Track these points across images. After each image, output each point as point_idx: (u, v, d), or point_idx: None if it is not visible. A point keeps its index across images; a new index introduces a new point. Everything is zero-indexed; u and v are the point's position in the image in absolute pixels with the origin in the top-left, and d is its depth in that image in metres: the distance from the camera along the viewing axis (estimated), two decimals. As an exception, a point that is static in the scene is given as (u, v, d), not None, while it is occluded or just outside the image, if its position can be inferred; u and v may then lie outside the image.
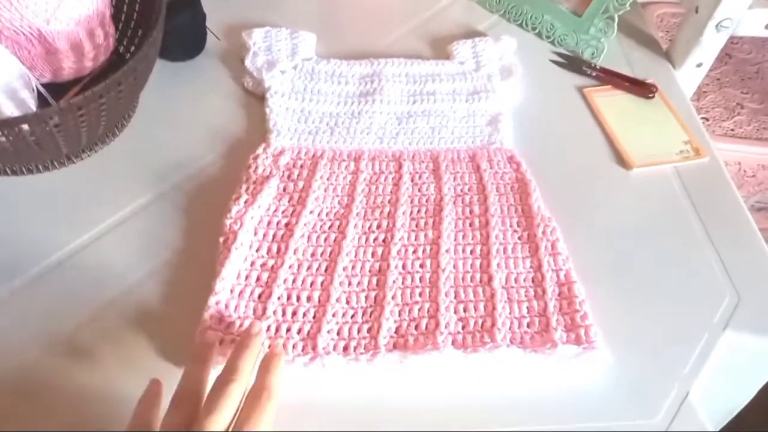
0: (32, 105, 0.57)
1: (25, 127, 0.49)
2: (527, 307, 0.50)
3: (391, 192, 0.57)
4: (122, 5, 0.65)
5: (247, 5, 0.75)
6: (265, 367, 0.41)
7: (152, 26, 0.56)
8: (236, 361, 0.40)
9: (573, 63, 0.72)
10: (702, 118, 0.94)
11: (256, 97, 0.65)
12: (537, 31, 0.75)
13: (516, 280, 0.51)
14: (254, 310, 0.48)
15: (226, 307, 0.48)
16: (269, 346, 0.46)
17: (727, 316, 0.53)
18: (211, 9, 0.68)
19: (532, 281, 0.52)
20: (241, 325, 0.47)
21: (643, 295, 0.54)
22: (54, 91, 0.60)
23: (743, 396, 0.55)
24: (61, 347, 0.48)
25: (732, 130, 0.94)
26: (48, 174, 0.58)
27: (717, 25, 0.69)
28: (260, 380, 0.40)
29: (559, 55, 0.73)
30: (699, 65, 0.74)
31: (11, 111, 0.54)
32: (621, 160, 0.63)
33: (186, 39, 0.67)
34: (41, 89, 0.58)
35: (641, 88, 0.70)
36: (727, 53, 1.06)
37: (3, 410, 0.45)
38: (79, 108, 0.50)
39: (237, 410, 0.38)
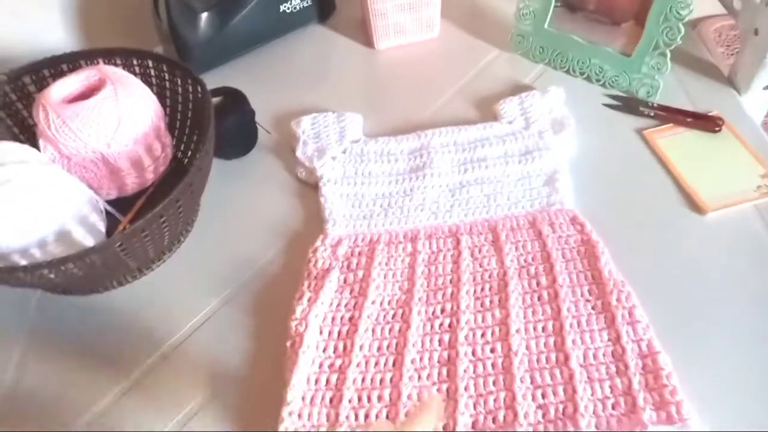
0: (101, 227, 0.60)
1: (94, 256, 0.51)
2: (610, 386, 0.47)
3: (451, 271, 0.56)
4: (176, 113, 0.68)
5: (293, 92, 0.77)
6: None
7: (204, 132, 0.58)
8: None
9: (628, 104, 0.69)
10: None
11: (310, 186, 0.66)
12: (586, 75, 0.73)
13: (595, 357, 0.49)
14: (327, 417, 0.48)
15: (300, 416, 0.48)
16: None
17: (837, 373, 0.48)
18: (260, 102, 0.70)
19: (612, 356, 0.49)
20: (316, 435, 0.47)
21: (734, 354, 0.50)
22: (121, 204, 0.63)
23: None
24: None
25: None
26: (121, 289, 0.60)
27: (781, 46, 0.65)
28: None
29: (613, 97, 0.71)
30: (767, 88, 0.69)
31: (82, 236, 0.57)
32: (694, 205, 0.60)
33: (238, 138, 0.69)
34: (109, 208, 0.61)
35: (706, 122, 0.66)
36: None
37: None
38: (143, 230, 0.53)
39: None
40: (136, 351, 0.55)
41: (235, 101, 0.69)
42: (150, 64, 0.68)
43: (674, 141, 0.65)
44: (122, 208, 0.63)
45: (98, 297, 0.60)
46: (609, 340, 0.50)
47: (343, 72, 0.80)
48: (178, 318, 0.57)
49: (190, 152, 0.69)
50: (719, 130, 0.65)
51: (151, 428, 0.50)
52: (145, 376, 0.54)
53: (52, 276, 0.52)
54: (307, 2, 0.83)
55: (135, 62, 0.68)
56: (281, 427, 0.47)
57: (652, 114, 0.68)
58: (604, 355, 0.49)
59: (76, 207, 0.57)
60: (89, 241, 0.57)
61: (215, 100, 0.69)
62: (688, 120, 0.67)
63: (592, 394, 0.47)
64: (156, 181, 0.66)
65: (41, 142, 0.60)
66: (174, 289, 0.60)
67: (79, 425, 0.51)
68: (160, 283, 0.60)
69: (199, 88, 0.63)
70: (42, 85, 0.66)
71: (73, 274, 0.52)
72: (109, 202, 0.62)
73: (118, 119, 0.59)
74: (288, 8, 0.82)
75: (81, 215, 0.57)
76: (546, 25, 0.73)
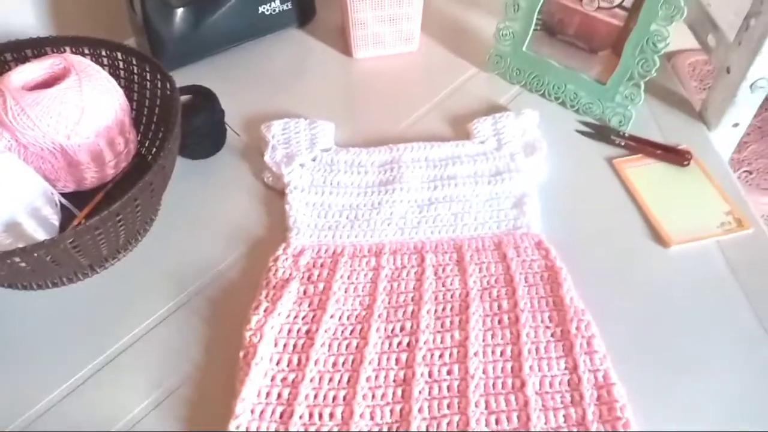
0: (55, 221, 0.57)
1: (42, 251, 0.49)
2: (564, 416, 0.47)
3: (414, 288, 0.55)
4: (143, 108, 0.67)
5: (266, 95, 0.75)
6: None
7: (171, 129, 0.57)
8: None
9: (601, 132, 0.70)
10: (744, 171, 0.90)
11: (276, 192, 0.65)
12: (560, 100, 0.73)
13: (551, 385, 0.48)
14: (275, 432, 0.46)
15: (247, 430, 0.46)
16: None
17: (788, 411, 0.48)
18: (231, 103, 0.69)
19: (568, 384, 0.48)
20: (262, 450, 0.45)
21: (690, 386, 0.50)
22: (79, 197, 0.61)
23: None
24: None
25: (779, 181, 0.89)
26: (72, 286, 0.58)
27: (751, 86, 0.66)
28: None
29: (586, 124, 0.71)
30: (735, 125, 0.70)
31: (33, 229, 0.55)
32: (658, 238, 0.60)
33: (206, 138, 0.67)
34: (65, 202, 0.59)
35: (675, 156, 0.66)
36: None
37: None
38: (96, 228, 0.51)
39: None
40: (82, 351, 0.53)
41: (205, 100, 0.67)
42: (119, 56, 0.66)
43: (643, 172, 0.66)
44: (80, 202, 0.60)
45: (46, 292, 0.57)
46: (566, 368, 0.49)
47: (319, 79, 0.79)
48: (128, 320, 0.55)
49: (154, 149, 0.67)
50: (688, 164, 0.66)
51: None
52: (89, 378, 0.52)
53: (-4, 269, 0.49)
54: (287, 5, 0.82)
55: (104, 53, 0.66)
56: (227, 441, 0.45)
57: (623, 143, 0.68)
58: (560, 383, 0.48)
59: (28, 198, 0.55)
60: (40, 235, 0.55)
61: (185, 97, 0.67)
62: (658, 152, 0.67)
63: (545, 423, 0.46)
64: (117, 177, 0.64)
65: (-3, 129, 0.58)
66: (126, 289, 0.58)
67: (17, 425, 0.49)
68: (113, 283, 0.58)
69: (168, 85, 0.61)
70: (3, 69, 0.63)
71: (19, 268, 0.50)
72: (66, 195, 0.60)
73: (80, 111, 0.57)
74: (267, 10, 0.80)
75: (33, 207, 0.55)
76: (524, 48, 0.74)
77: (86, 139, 0.58)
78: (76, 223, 0.59)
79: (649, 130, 0.70)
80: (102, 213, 0.50)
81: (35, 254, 0.49)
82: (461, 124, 0.71)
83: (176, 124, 0.56)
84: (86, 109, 0.57)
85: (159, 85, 0.64)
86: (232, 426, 0.46)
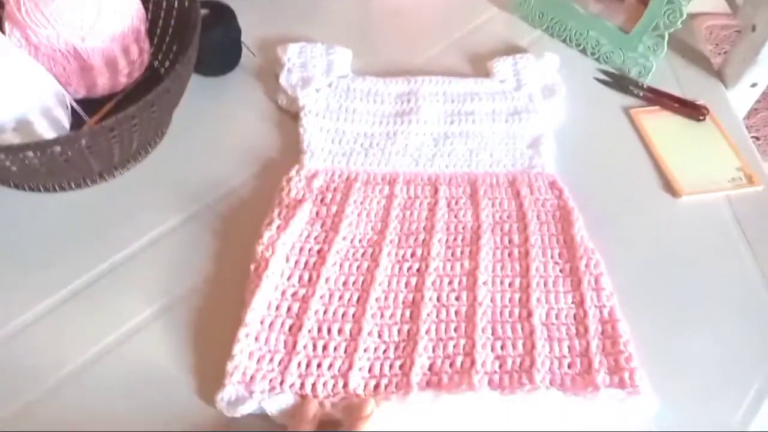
0: (65, 123, 0.56)
1: (57, 148, 0.48)
2: (568, 346, 0.47)
3: (426, 218, 0.55)
4: (158, 20, 0.65)
5: (284, 20, 0.74)
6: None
7: (187, 43, 0.55)
8: None
9: (619, 82, 0.69)
10: (752, 137, 0.90)
11: (290, 115, 0.64)
12: (581, 47, 0.72)
13: (557, 317, 0.49)
14: (285, 344, 0.47)
15: (256, 339, 0.46)
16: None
17: (783, 359, 0.50)
18: (248, 24, 0.67)
19: (574, 318, 0.49)
20: (271, 360, 0.46)
21: (691, 333, 0.51)
22: (88, 106, 0.59)
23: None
24: (88, 372, 0.47)
25: (785, 149, 0.90)
26: (80, 191, 0.57)
27: (775, 45, 0.65)
28: None
29: (605, 73, 0.70)
30: (753, 85, 0.70)
31: (44, 129, 0.54)
32: (669, 187, 0.60)
33: (221, 55, 0.66)
34: (75, 106, 0.58)
35: (691, 110, 0.66)
36: (780, 67, 1.01)
37: None
38: (111, 129, 0.50)
39: None
40: (87, 256, 0.53)
41: (222, 16, 0.65)
42: (137, -37, 0.63)
43: (659, 123, 0.65)
44: (90, 110, 0.59)
45: (53, 196, 0.57)
46: (573, 302, 0.50)
47: (338, 7, 0.77)
48: (135, 229, 0.55)
49: (167, 62, 0.65)
50: (703, 119, 0.66)
51: (94, 336, 0.48)
52: (93, 283, 0.52)
53: (8, 164, 0.48)
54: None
55: (121, -42, 0.63)
56: (236, 349, 0.45)
57: (641, 94, 0.68)
58: (566, 316, 0.49)
59: (40, 97, 0.54)
60: (51, 135, 0.54)
61: (202, 11, 0.65)
62: (675, 105, 0.67)
63: (549, 352, 0.47)
64: (129, 86, 0.62)
65: (7, 25, 0.56)
66: (134, 199, 0.57)
67: (17, 324, 0.49)
68: (121, 191, 0.58)
69: (187, -4, 0.60)
70: (16, -36, 0.61)
71: (31, 165, 0.49)
72: (76, 102, 0.59)
73: (96, 12, 0.56)
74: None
75: (45, 107, 0.54)
76: (549, -10, 0.72)
77: (101, 43, 0.57)
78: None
79: (668, 83, 0.69)
80: (117, 115, 0.49)
81: (49, 150, 0.48)
82: (480, 63, 0.70)
83: (196, 32, 0.55)
84: (102, 11, 0.56)
85: (177, -4, 0.62)
86: (241, 334, 0.46)
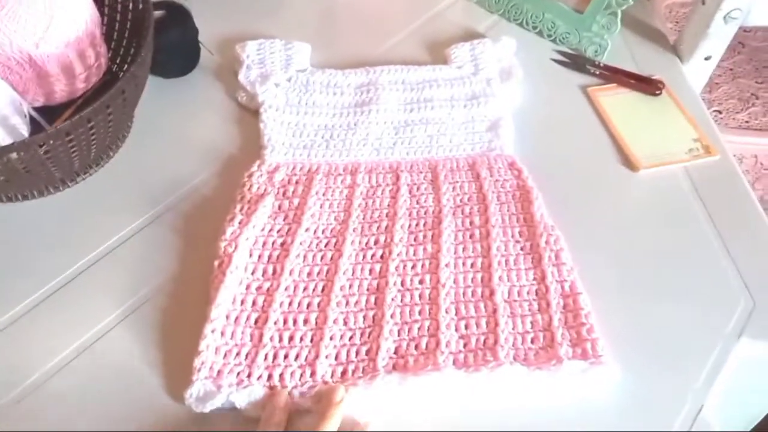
0: (24, 131, 0.56)
1: (14, 155, 0.48)
2: (531, 322, 0.48)
3: (388, 205, 0.56)
4: (114, 23, 0.65)
5: (241, 17, 0.74)
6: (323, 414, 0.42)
7: (143, 39, 0.55)
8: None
9: (576, 62, 0.70)
10: (714, 111, 0.92)
11: (250, 112, 0.64)
12: (538, 30, 0.73)
13: (519, 294, 0.50)
14: (251, 337, 0.47)
15: (222, 334, 0.47)
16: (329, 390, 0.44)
17: (742, 324, 0.51)
18: (205, 23, 0.67)
19: (536, 294, 0.50)
20: (238, 353, 0.46)
21: (652, 304, 0.52)
22: (48, 114, 0.59)
23: (761, 408, 0.52)
24: (58, 376, 0.47)
25: (747, 122, 0.91)
26: (44, 199, 0.57)
27: (725, 17, 0.66)
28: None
29: (562, 53, 0.71)
30: (707, 58, 0.71)
31: (2, 138, 0.54)
32: (628, 162, 0.61)
33: (179, 56, 0.66)
34: (33, 113, 0.58)
35: (647, 85, 0.67)
36: (740, 42, 1.02)
37: None
38: (68, 134, 0.50)
39: None
40: (53, 262, 0.53)
41: (178, 16, 0.66)
42: (88, -33, 0.63)
43: (616, 100, 0.67)
44: (50, 118, 0.59)
45: (16, 205, 0.57)
46: (534, 279, 0.51)
47: (296, 1, 0.77)
48: (100, 233, 0.55)
49: (126, 66, 0.65)
50: (659, 94, 0.67)
51: (63, 340, 0.48)
52: (60, 288, 0.52)
53: (-36, 174, 0.48)
54: (263, -74, 0.79)
55: (72, -37, 0.63)
56: (203, 345, 0.46)
57: (597, 73, 0.69)
58: (528, 293, 0.50)
59: (-4, 106, 0.54)
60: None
61: (158, 13, 0.65)
62: (632, 81, 0.68)
63: (513, 328, 0.48)
64: (88, 91, 0.62)
65: (-40, 36, 0.56)
66: (98, 203, 0.57)
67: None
68: (84, 197, 0.58)
69: (140, -2, 0.60)
70: (-35, -25, 0.61)
71: (-12, 174, 0.49)
72: (36, 110, 0.59)
73: (49, 17, 0.55)
74: (242, -70, 0.78)
75: (2, 115, 0.54)
76: (504, -25, 0.73)
77: (56, 49, 0.57)
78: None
79: (625, 60, 0.71)
80: (73, 119, 0.49)
81: (5, 158, 0.48)
82: (439, 50, 0.70)
83: (148, 34, 0.55)
84: (55, 17, 0.56)
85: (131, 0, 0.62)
86: (207, 329, 0.46)
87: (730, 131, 0.89)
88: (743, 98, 0.95)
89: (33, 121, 0.58)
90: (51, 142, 0.49)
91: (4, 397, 0.46)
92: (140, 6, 0.61)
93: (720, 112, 0.92)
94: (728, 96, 0.94)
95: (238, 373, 0.45)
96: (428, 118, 0.62)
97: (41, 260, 0.53)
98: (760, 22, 0.69)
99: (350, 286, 0.50)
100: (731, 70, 0.98)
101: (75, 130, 0.50)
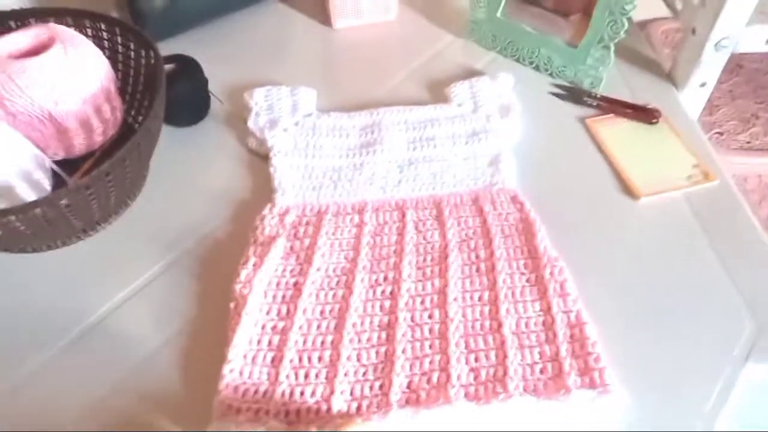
0: (46, 185, 0.59)
1: (38, 210, 0.51)
2: (539, 353, 0.49)
3: (395, 242, 0.58)
4: (128, 78, 0.68)
5: (248, 66, 0.77)
6: None
7: (156, 93, 0.58)
8: None
9: (573, 94, 0.72)
10: (716, 132, 0.93)
11: (260, 157, 0.67)
12: (534, 65, 0.75)
13: (526, 325, 0.51)
14: (268, 375, 0.49)
15: (240, 374, 0.48)
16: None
17: (748, 348, 0.52)
18: (214, 72, 0.71)
19: (543, 325, 0.51)
20: (256, 392, 0.48)
21: (659, 331, 0.53)
22: (67, 166, 0.62)
23: (771, 430, 0.53)
24: (81, 425, 0.49)
25: (748, 142, 0.93)
26: (66, 249, 0.60)
27: (716, 45, 0.68)
28: None
29: (559, 86, 0.74)
30: (702, 85, 0.73)
31: (26, 193, 0.56)
32: (628, 191, 0.63)
33: (190, 106, 0.69)
34: (54, 167, 0.61)
35: (644, 114, 0.69)
36: (737, 64, 1.04)
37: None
38: (88, 187, 0.52)
39: None
40: (77, 309, 0.55)
41: (188, 69, 0.69)
42: (102, 26, 0.67)
43: (614, 130, 0.68)
44: (70, 170, 0.62)
45: (41, 255, 0.59)
46: (540, 310, 0.52)
47: (300, 48, 0.81)
48: (120, 279, 0.57)
49: (141, 117, 0.68)
50: (656, 122, 0.68)
51: (86, 386, 0.50)
52: (84, 336, 0.54)
53: (-8, 229, 0.51)
54: (267, -23, 0.83)
55: (87, 24, 0.67)
56: (222, 384, 0.48)
57: (594, 104, 0.71)
58: (535, 324, 0.51)
59: (19, 162, 0.56)
60: (33, 198, 0.56)
61: (169, 66, 0.69)
62: (628, 111, 0.70)
63: (521, 360, 0.49)
64: (105, 143, 0.65)
65: (-15, 98, 0.59)
66: (118, 251, 0.60)
67: (6, 385, 0.51)
68: (105, 245, 0.60)
69: (152, 53, 0.63)
70: (-12, 40, 0.64)
71: (14, 228, 0.52)
72: (56, 163, 0.62)
73: (66, 77, 0.59)
74: (248, -18, 0.82)
75: (25, 171, 0.56)
76: (499, 14, 0.76)
77: (74, 106, 0.60)
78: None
79: (620, 91, 0.73)
80: (92, 173, 0.52)
81: (30, 213, 0.50)
82: (439, 89, 0.73)
83: (161, 88, 0.58)
84: (72, 77, 0.59)
85: (143, 55, 0.66)
86: (225, 370, 0.48)
87: (733, 152, 0.90)
88: (743, 119, 0.96)
89: (54, 173, 0.61)
90: (72, 196, 0.52)
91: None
92: (152, 61, 0.64)
93: (721, 134, 0.93)
94: (728, 117, 0.96)
95: (257, 411, 0.47)
96: (431, 155, 0.64)
97: (63, 309, 0.55)
98: (751, 49, 0.71)
99: (362, 323, 0.52)
100: (730, 91, 1.00)
101: (95, 183, 0.53)
